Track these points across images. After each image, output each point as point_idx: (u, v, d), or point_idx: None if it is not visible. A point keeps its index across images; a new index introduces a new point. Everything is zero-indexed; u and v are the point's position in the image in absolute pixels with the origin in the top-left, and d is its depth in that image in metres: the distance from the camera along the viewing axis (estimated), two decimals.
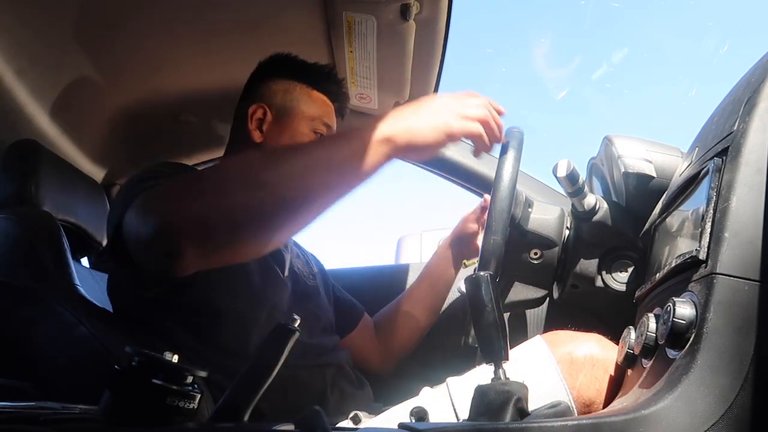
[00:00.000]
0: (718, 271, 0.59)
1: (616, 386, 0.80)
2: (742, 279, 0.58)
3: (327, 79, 1.22)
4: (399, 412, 0.87)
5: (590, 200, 0.99)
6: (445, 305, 1.39)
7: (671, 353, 0.62)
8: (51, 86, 1.29)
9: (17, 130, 1.28)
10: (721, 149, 0.68)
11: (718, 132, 0.72)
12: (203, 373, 0.55)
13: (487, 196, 1.28)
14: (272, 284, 1.04)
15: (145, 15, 1.23)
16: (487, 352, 0.69)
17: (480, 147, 0.89)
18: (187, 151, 1.66)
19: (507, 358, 0.69)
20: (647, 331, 0.67)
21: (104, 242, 1.37)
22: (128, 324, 0.96)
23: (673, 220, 0.81)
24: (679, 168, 0.91)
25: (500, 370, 0.68)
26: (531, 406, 0.66)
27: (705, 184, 0.68)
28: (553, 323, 1.18)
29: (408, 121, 0.81)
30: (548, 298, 1.08)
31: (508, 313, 1.27)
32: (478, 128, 0.85)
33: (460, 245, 1.32)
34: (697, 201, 0.70)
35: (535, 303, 1.08)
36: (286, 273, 1.10)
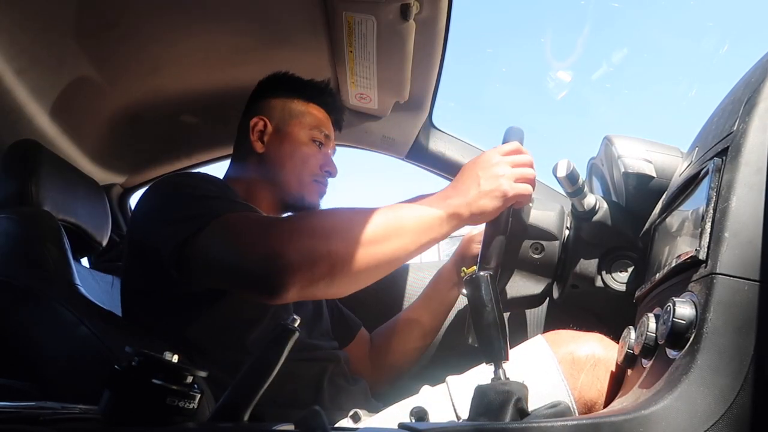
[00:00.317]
0: (718, 271, 0.59)
1: (617, 386, 0.80)
2: (742, 279, 0.58)
3: (323, 93, 1.28)
4: (399, 412, 0.87)
5: (590, 200, 0.99)
6: None
7: (671, 353, 0.62)
8: (51, 86, 1.29)
9: (17, 130, 1.28)
10: (721, 149, 0.68)
11: (718, 132, 0.72)
12: (203, 373, 0.55)
13: None
14: None
15: (145, 15, 1.23)
16: (487, 352, 0.69)
17: (526, 202, 0.97)
18: (187, 151, 1.66)
19: (507, 358, 0.69)
20: (647, 331, 0.67)
21: (104, 242, 1.37)
22: (128, 324, 0.96)
23: (673, 220, 0.81)
24: (679, 168, 0.91)
25: (500, 370, 0.68)
26: (532, 406, 0.66)
27: (705, 184, 0.68)
28: (553, 323, 1.18)
29: (468, 195, 0.92)
30: (548, 298, 1.08)
31: (508, 313, 1.27)
32: (529, 190, 0.94)
33: (464, 266, 1.31)
34: (697, 201, 0.70)
35: (536, 301, 1.08)
36: None
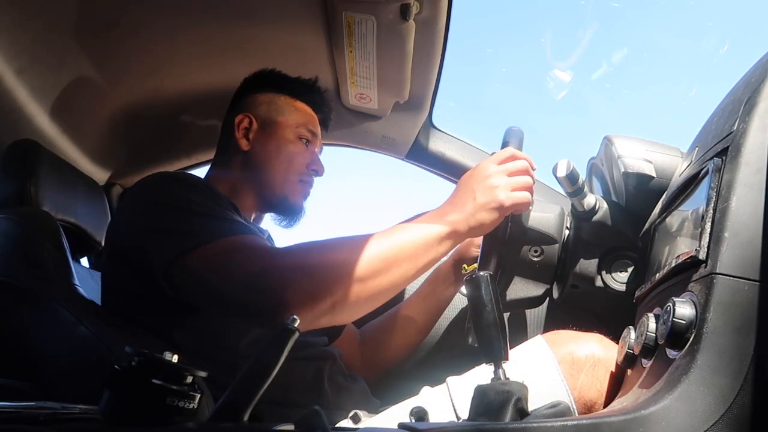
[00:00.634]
0: (717, 271, 0.59)
1: (617, 386, 0.80)
2: (742, 279, 0.58)
3: (310, 91, 1.26)
4: (399, 412, 0.87)
5: (590, 200, 0.99)
6: None
7: (671, 353, 0.62)
8: (51, 86, 1.29)
9: (17, 130, 1.28)
10: (721, 149, 0.68)
11: (718, 132, 0.72)
12: (203, 373, 0.55)
13: None
14: None
15: (145, 15, 1.23)
16: (487, 352, 0.69)
17: (524, 210, 0.97)
18: (187, 151, 1.66)
19: (507, 358, 0.69)
20: (647, 331, 0.67)
21: (103, 242, 1.36)
22: (128, 324, 0.95)
23: (673, 220, 0.81)
24: (679, 168, 0.91)
25: (500, 370, 0.68)
26: (532, 406, 0.66)
27: (705, 184, 0.68)
28: (553, 323, 1.18)
29: (465, 210, 0.91)
30: (548, 298, 1.08)
31: (508, 313, 1.27)
32: (527, 197, 0.93)
33: (464, 264, 1.31)
34: (697, 201, 0.70)
35: (536, 302, 1.08)
36: None
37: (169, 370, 0.52)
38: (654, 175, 0.94)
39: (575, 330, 0.90)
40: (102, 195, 1.46)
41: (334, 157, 1.70)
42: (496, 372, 0.68)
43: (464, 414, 0.79)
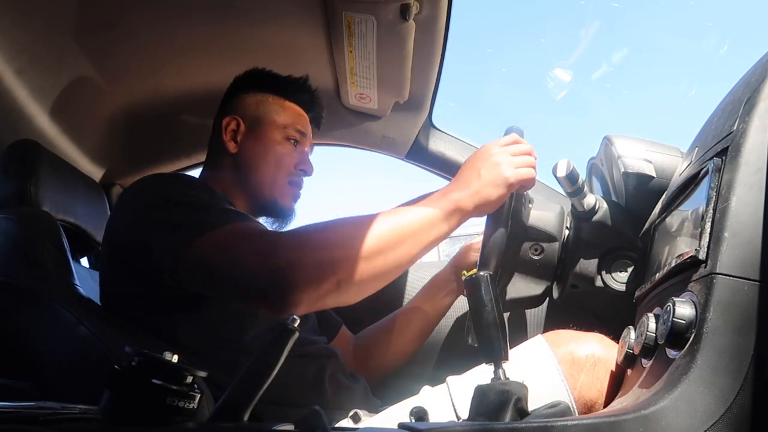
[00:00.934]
0: (717, 271, 0.59)
1: (617, 386, 0.80)
2: (741, 279, 0.58)
3: (300, 90, 1.25)
4: (399, 412, 0.87)
5: (590, 200, 0.99)
6: None
7: (671, 353, 0.62)
8: (51, 86, 1.29)
9: (17, 130, 1.28)
10: (720, 149, 0.68)
11: (717, 132, 0.72)
12: (203, 373, 0.55)
13: None
14: None
15: (145, 15, 1.23)
16: (487, 352, 0.69)
17: (529, 187, 0.97)
18: (187, 151, 1.66)
19: (507, 358, 0.69)
20: (647, 331, 0.67)
21: (101, 242, 1.36)
22: (128, 324, 0.95)
23: (673, 220, 0.81)
24: (679, 168, 0.91)
25: (500, 370, 0.68)
26: (532, 406, 0.66)
27: (705, 184, 0.68)
28: (552, 323, 1.18)
29: (471, 187, 0.91)
30: (548, 298, 1.08)
31: (508, 313, 1.27)
32: (531, 173, 0.94)
33: (460, 273, 1.30)
34: (697, 201, 0.70)
35: (535, 302, 1.08)
36: None
37: (169, 370, 0.52)
38: (654, 175, 0.94)
39: (575, 330, 0.90)
40: (102, 195, 1.46)
41: (334, 157, 1.71)
42: (496, 372, 0.68)
43: (464, 414, 0.79)
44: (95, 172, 1.55)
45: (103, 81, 1.36)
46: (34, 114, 1.29)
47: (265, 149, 1.17)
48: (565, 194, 1.01)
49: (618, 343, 0.79)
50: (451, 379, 0.89)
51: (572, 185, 0.97)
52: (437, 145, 1.60)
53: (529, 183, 0.94)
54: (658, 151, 0.96)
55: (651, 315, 0.68)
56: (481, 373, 0.85)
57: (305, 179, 1.23)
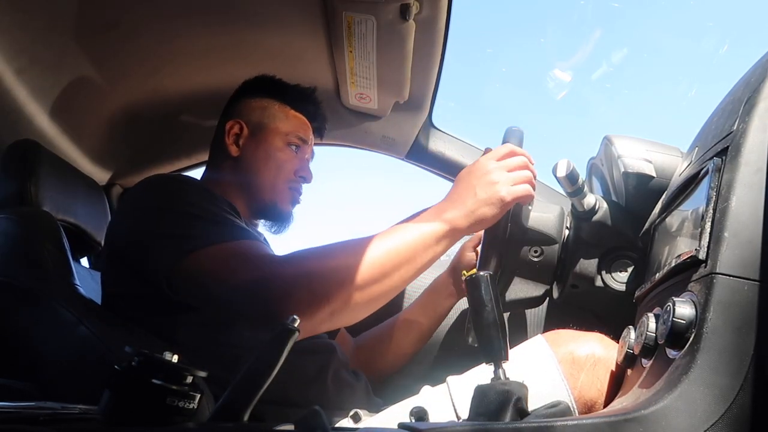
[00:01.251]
0: (717, 271, 0.59)
1: (617, 386, 0.80)
2: (741, 279, 0.58)
3: (305, 99, 1.27)
4: (399, 411, 0.87)
5: (590, 200, 0.99)
6: None
7: (671, 353, 0.62)
8: (51, 86, 1.29)
9: (17, 130, 1.28)
10: (720, 149, 0.68)
11: (717, 132, 0.72)
12: (203, 373, 0.55)
13: None
14: None
15: (146, 15, 1.23)
16: (487, 351, 0.69)
17: (527, 202, 0.97)
18: (187, 151, 1.66)
19: (507, 358, 0.69)
20: (647, 330, 0.67)
21: (103, 242, 1.36)
22: (128, 324, 0.95)
23: (673, 220, 0.81)
24: (679, 168, 0.91)
25: (500, 370, 0.68)
26: (532, 406, 0.66)
27: (705, 184, 0.68)
28: (553, 323, 1.18)
29: (465, 206, 0.91)
30: (548, 298, 1.08)
31: (508, 313, 1.27)
32: (527, 190, 0.93)
33: (460, 275, 1.30)
34: (697, 201, 0.70)
35: (535, 302, 1.08)
36: None
37: (169, 370, 0.52)
38: (654, 175, 0.94)
39: (575, 330, 0.90)
40: (102, 195, 1.46)
41: (334, 157, 1.70)
42: (496, 372, 0.68)
43: (464, 414, 0.79)
44: (95, 172, 1.55)
45: (103, 81, 1.36)
46: (34, 114, 1.30)
47: (266, 154, 1.18)
48: (565, 194, 1.01)
49: (618, 343, 0.79)
50: (452, 379, 0.89)
51: (572, 185, 0.97)
52: (437, 145, 1.60)
53: (526, 199, 0.94)
54: (658, 151, 0.96)
55: (651, 315, 0.68)
56: (481, 373, 0.85)
57: (304, 185, 1.25)
